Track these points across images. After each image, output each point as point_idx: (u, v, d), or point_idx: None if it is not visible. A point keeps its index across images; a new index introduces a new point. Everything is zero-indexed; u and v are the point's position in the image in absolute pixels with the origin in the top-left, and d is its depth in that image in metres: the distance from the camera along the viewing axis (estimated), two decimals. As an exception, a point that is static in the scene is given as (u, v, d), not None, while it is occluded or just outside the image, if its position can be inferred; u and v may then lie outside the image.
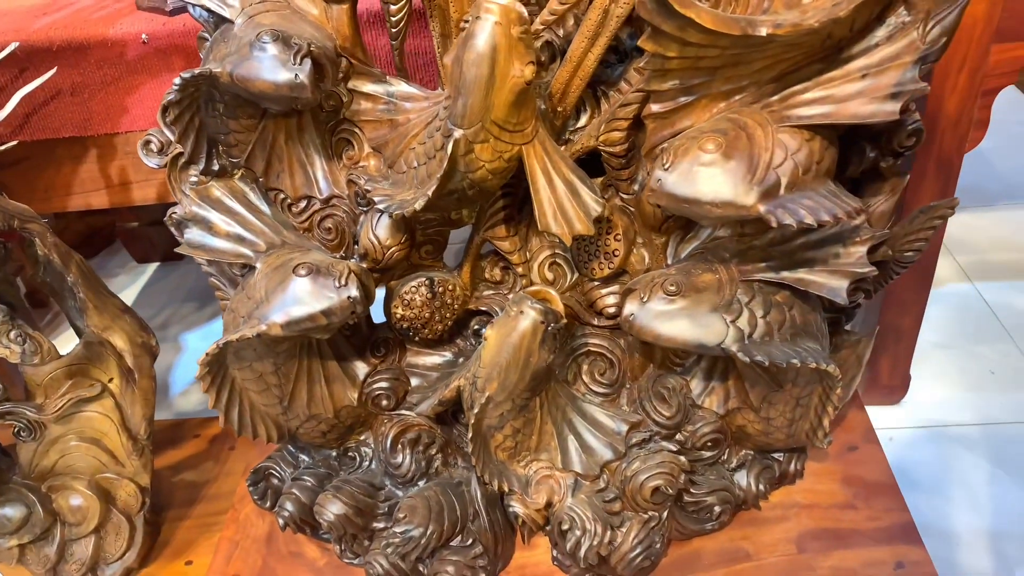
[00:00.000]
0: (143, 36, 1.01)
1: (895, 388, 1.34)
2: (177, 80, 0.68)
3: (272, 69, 0.64)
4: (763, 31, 0.56)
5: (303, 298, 0.70)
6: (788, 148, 0.60)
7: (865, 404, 1.35)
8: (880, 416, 1.33)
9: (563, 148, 0.74)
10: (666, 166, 0.61)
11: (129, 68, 1.04)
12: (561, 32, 0.74)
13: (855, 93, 0.59)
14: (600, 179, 0.77)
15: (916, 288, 1.23)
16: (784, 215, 0.58)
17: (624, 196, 0.76)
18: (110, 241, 1.95)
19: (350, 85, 0.73)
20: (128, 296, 1.81)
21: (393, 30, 0.70)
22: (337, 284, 0.71)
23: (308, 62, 0.64)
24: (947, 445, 1.28)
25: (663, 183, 0.61)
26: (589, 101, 0.73)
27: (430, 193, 0.65)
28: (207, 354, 0.74)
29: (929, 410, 1.33)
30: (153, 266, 1.88)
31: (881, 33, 0.61)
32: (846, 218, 0.59)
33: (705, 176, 0.59)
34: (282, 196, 0.78)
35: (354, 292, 0.71)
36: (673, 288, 0.69)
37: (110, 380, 0.89)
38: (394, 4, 0.68)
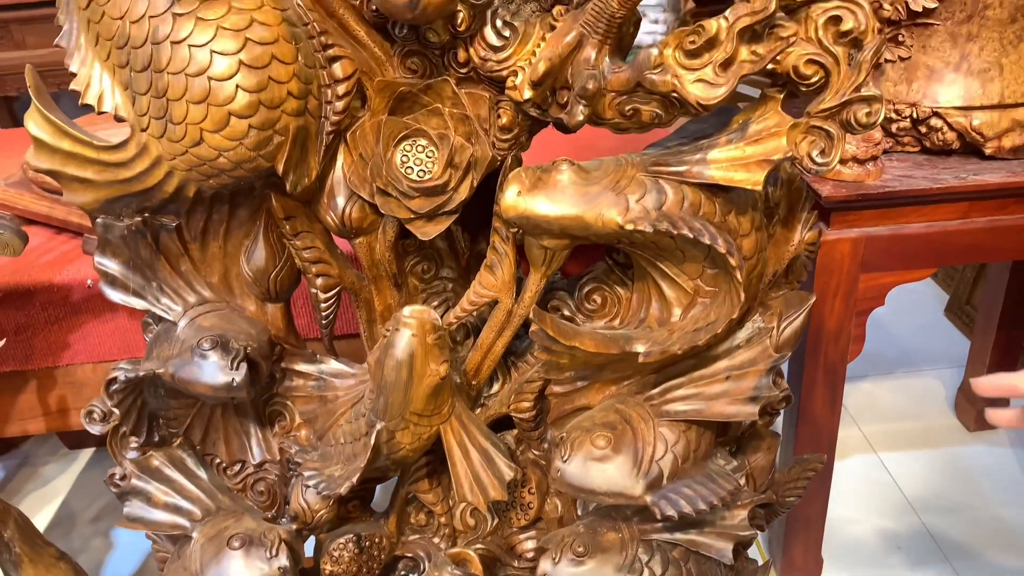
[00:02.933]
0: (88, 281, 1.08)
1: (809, 570, 1.41)
2: (122, 376, 0.74)
3: (212, 374, 0.71)
4: (638, 348, 0.66)
5: (237, 570, 0.75)
6: (668, 441, 0.69)
7: (782, 589, 1.42)
8: (797, 600, 1.40)
9: (478, 412, 0.82)
10: (564, 458, 0.70)
11: (73, 309, 1.10)
12: (475, 312, 0.83)
13: (721, 393, 0.69)
14: (515, 432, 0.85)
15: (819, 481, 1.33)
16: (666, 506, 0.66)
17: (535, 452, 0.84)
18: (42, 427, 1.93)
19: (284, 364, 0.80)
20: (59, 486, 1.79)
21: (323, 322, 0.78)
22: (269, 555, 0.76)
23: (244, 366, 0.71)
24: (860, 628, 1.34)
25: (563, 474, 0.69)
26: (500, 370, 0.82)
27: (355, 479, 0.72)
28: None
29: (842, 592, 1.41)
30: (87, 452, 1.87)
31: (742, 335, 0.71)
32: (720, 504, 0.68)
33: (597, 470, 0.68)
34: (218, 460, 0.84)
35: (284, 562, 0.76)
36: (581, 549, 0.76)
37: (42, 633, 0.90)
38: (324, 303, 0.77)
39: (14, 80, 2.15)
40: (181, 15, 0.62)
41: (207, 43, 0.62)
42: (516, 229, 0.68)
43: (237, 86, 0.63)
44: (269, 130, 0.65)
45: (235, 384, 0.71)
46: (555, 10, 0.65)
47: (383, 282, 0.78)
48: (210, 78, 0.63)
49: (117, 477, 0.83)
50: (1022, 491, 1.58)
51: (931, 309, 2.13)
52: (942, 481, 1.62)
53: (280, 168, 0.68)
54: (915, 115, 1.13)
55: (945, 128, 1.13)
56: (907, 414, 1.79)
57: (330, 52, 0.68)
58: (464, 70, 0.69)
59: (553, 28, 0.65)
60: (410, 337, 0.69)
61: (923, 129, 1.14)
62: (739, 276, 0.61)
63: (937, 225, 1.13)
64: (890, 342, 2.03)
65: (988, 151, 1.12)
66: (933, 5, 1.08)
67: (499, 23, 0.66)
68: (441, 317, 0.80)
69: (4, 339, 1.01)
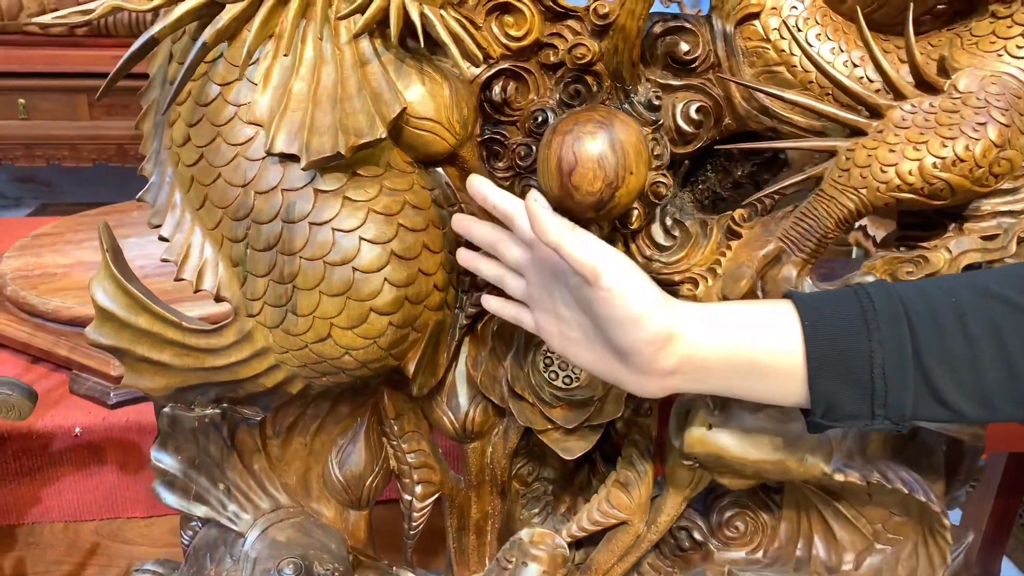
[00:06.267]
0: (77, 430, 0.92)
1: None
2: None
3: (294, 610, 0.58)
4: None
5: None
6: None
7: None
8: None
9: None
10: None
11: (52, 459, 0.93)
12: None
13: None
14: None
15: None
16: None
17: None
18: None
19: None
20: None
21: (411, 532, 0.66)
22: None
23: (333, 600, 0.58)
24: None
25: None
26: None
27: None
28: None
29: None
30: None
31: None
32: None
33: None
34: None
35: None
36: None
37: None
38: (419, 512, 0.65)
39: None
40: (325, 192, 0.52)
41: (356, 228, 0.52)
42: (691, 461, 0.59)
43: (385, 279, 0.53)
44: (407, 328, 0.55)
45: (323, 625, 0.58)
46: (737, 213, 0.59)
47: (485, 487, 0.67)
48: (355, 269, 0.52)
49: None
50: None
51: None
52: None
53: (411, 369, 0.57)
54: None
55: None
56: None
57: (475, 237, 0.59)
58: (620, 266, 0.61)
59: (733, 232, 0.59)
60: (540, 574, 0.59)
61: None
62: (949, 538, 0.54)
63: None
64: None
65: None
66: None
67: (669, 221, 0.59)
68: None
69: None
